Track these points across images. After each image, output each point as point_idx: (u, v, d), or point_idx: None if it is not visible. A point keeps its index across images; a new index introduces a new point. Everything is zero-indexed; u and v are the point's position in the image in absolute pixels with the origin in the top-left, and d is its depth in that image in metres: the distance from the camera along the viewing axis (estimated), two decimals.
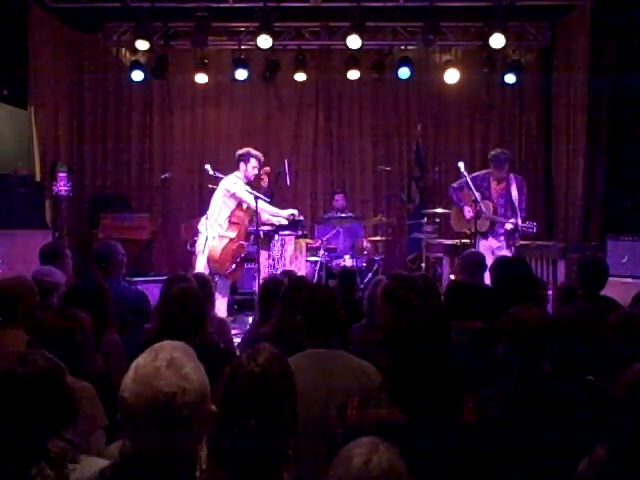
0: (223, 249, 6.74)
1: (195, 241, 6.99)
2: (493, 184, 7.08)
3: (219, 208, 6.84)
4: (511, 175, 7.15)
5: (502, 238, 7.02)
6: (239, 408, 1.85)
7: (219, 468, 1.79)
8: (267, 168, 7.08)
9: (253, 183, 6.95)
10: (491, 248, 6.92)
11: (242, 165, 6.88)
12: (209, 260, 6.72)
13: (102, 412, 2.57)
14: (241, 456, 1.80)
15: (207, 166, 6.88)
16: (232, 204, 6.85)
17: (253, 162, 6.87)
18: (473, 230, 6.79)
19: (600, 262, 4.34)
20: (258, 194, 6.64)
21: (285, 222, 6.96)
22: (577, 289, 4.16)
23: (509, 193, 7.02)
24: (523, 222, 6.88)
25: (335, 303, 2.99)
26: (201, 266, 6.72)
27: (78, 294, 3.51)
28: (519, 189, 7.02)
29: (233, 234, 6.82)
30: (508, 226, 6.92)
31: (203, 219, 6.92)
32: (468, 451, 2.11)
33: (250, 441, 1.81)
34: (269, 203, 7.21)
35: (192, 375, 1.60)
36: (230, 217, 6.86)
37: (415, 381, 2.17)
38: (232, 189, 6.76)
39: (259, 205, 6.55)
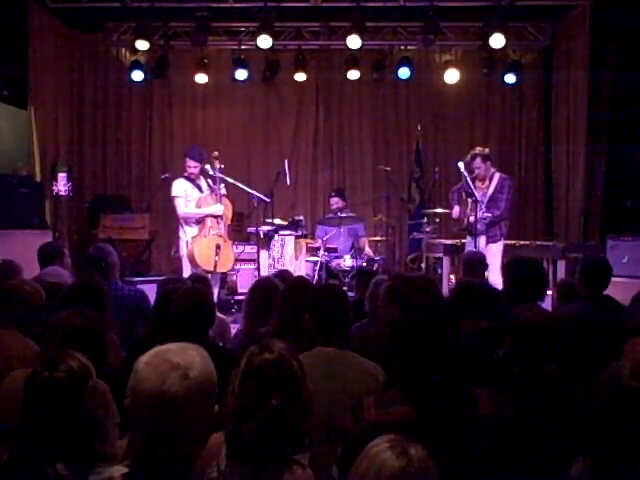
0: (199, 247, 6.74)
1: (178, 246, 7.00)
2: (478, 184, 7.10)
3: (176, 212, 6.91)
4: (497, 174, 7.14)
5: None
6: (259, 391, 1.89)
7: (238, 464, 1.82)
8: (215, 153, 7.05)
9: (199, 175, 6.96)
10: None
11: (183, 164, 6.95)
12: (191, 263, 6.71)
13: (115, 410, 2.58)
14: (260, 447, 1.83)
15: (207, 166, 6.88)
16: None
17: (187, 161, 6.89)
18: (467, 228, 6.84)
19: (604, 262, 4.34)
20: (222, 176, 6.83)
21: (219, 210, 6.89)
22: (579, 288, 4.14)
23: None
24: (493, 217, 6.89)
25: (345, 302, 2.98)
26: (187, 269, 6.70)
27: (77, 294, 3.51)
28: (497, 188, 7.01)
29: (204, 229, 6.82)
30: (471, 218, 6.90)
31: (179, 225, 6.96)
32: (486, 443, 2.10)
33: (273, 423, 1.85)
34: (268, 203, 7.21)
35: (197, 358, 1.74)
36: (187, 217, 6.88)
37: (427, 377, 2.16)
38: (172, 193, 6.88)
39: (187, 210, 6.80)
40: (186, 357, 1.71)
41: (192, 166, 6.85)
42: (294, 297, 3.43)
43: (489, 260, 6.69)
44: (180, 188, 6.87)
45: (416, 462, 1.52)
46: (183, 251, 6.88)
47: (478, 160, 7.08)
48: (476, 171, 7.06)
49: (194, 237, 6.78)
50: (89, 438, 1.92)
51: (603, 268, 4.13)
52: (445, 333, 2.21)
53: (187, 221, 6.88)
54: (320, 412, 2.41)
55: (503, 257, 6.84)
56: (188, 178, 6.89)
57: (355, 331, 3.76)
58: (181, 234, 6.95)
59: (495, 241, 7.01)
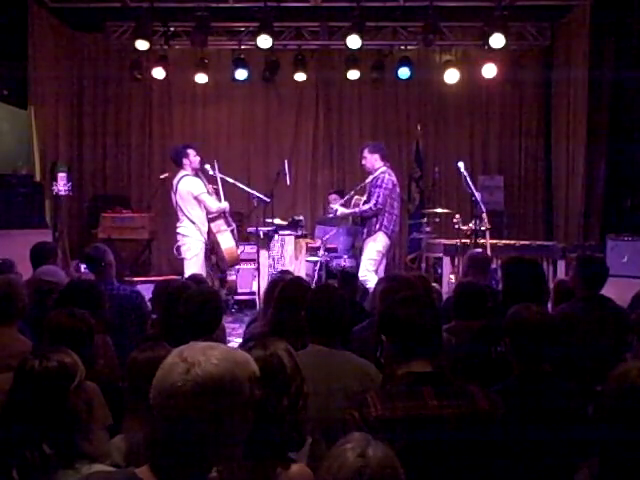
0: (232, 243, 6.89)
1: (180, 247, 6.85)
2: (368, 179, 7.01)
3: (199, 210, 6.76)
4: (382, 169, 6.91)
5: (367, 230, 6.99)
6: None
7: (236, 463, 1.81)
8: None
9: (200, 170, 6.93)
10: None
11: (185, 160, 6.79)
12: (231, 258, 6.84)
13: (107, 412, 2.57)
14: (251, 444, 1.82)
15: (207, 166, 6.89)
16: (201, 204, 6.82)
17: (192, 152, 6.81)
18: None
19: (601, 261, 4.32)
20: (222, 175, 6.97)
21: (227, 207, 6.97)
22: (574, 288, 4.11)
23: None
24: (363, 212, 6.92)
25: (341, 304, 2.99)
26: (196, 269, 6.54)
27: (73, 294, 3.50)
28: (373, 181, 6.84)
29: (220, 225, 6.85)
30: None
31: (187, 224, 6.76)
32: (488, 437, 2.11)
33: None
34: (268, 203, 7.20)
35: (213, 359, 1.53)
36: (210, 214, 6.87)
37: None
38: (195, 192, 6.71)
39: (221, 205, 6.84)
40: (198, 355, 1.52)
41: (197, 154, 6.81)
42: (291, 297, 3.44)
43: (362, 256, 6.95)
44: (201, 185, 6.76)
45: (373, 463, 1.53)
46: (192, 252, 6.70)
47: (365, 151, 6.99)
48: (362, 161, 7.00)
49: (221, 231, 6.82)
50: (70, 433, 1.90)
51: (599, 267, 4.09)
52: (430, 327, 2.23)
53: (200, 219, 6.74)
54: (316, 410, 2.42)
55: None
56: (196, 175, 6.81)
57: (356, 333, 3.75)
58: (191, 232, 6.73)
59: (370, 235, 6.90)
